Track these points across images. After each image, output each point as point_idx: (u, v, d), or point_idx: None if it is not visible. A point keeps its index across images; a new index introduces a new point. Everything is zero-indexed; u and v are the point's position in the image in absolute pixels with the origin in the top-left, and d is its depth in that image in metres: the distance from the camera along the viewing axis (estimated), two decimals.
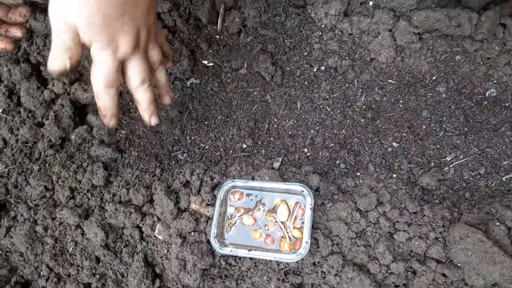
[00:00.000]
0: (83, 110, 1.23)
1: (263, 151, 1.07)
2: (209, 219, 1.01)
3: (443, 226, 0.89)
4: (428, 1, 0.99)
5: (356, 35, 1.05)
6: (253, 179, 1.00)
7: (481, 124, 0.96)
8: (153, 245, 1.05)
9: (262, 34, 1.07)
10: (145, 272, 1.03)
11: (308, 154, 1.04)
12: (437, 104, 1.00)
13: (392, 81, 1.03)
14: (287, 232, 0.92)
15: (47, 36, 1.23)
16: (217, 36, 1.11)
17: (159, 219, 1.04)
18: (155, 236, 1.04)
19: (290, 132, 1.07)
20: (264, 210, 0.96)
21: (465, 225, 0.84)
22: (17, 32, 0.85)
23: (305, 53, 1.07)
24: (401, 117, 1.01)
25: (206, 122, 1.13)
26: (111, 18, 0.68)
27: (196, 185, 1.04)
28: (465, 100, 0.98)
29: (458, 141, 0.96)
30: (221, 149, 1.10)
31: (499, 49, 0.96)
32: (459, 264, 0.84)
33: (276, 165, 1.03)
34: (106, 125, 0.81)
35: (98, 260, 1.08)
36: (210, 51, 1.12)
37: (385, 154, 0.99)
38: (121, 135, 1.17)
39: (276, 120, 1.08)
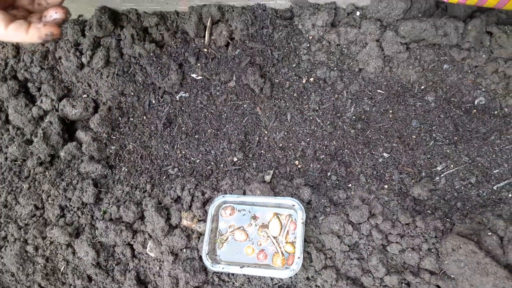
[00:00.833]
0: (72, 127, 1.22)
1: (254, 164, 1.06)
2: (201, 235, 1.00)
3: (436, 237, 0.88)
4: (415, 10, 0.99)
5: (344, 46, 1.05)
6: (244, 193, 1.00)
7: (471, 132, 0.96)
8: (145, 262, 1.04)
9: (250, 47, 1.07)
10: None
11: (299, 166, 1.03)
12: (427, 113, 0.99)
13: (381, 91, 1.03)
14: (280, 247, 0.91)
15: (34, 52, 1.22)
16: (205, 50, 1.10)
17: (150, 236, 1.03)
18: (147, 254, 1.03)
19: (280, 145, 1.06)
20: (256, 225, 0.95)
21: (457, 236, 0.84)
22: (57, 14, 0.69)
23: (294, 65, 1.07)
24: (391, 127, 1.01)
25: (196, 136, 1.12)
26: None
27: (187, 201, 1.03)
28: (454, 109, 0.98)
29: (448, 150, 0.96)
30: (212, 163, 1.09)
31: (486, 57, 0.96)
32: (452, 276, 0.83)
33: (268, 178, 1.02)
34: None
35: (90, 279, 1.07)
36: (198, 64, 1.11)
37: (376, 165, 0.99)
38: (110, 151, 1.16)
39: (266, 132, 1.08)
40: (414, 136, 0.99)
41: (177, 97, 1.14)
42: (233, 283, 0.97)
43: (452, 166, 0.95)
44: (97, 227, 1.06)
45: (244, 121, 1.09)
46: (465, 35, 0.94)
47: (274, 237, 0.93)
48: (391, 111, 1.01)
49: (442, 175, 0.95)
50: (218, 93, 1.11)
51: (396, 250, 0.89)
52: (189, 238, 1.00)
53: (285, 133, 1.06)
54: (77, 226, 1.09)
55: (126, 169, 1.14)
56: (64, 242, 1.07)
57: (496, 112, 0.97)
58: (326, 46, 1.05)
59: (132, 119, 1.18)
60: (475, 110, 0.98)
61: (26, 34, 0.65)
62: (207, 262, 0.91)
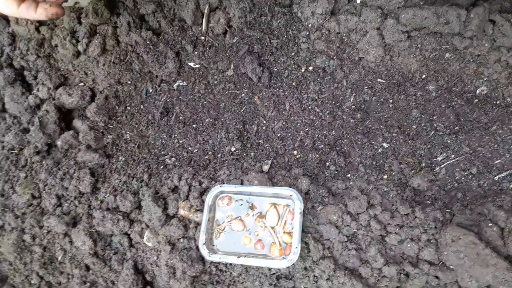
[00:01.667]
0: (68, 115, 1.21)
1: (252, 153, 1.05)
2: (198, 224, 0.99)
3: (435, 227, 0.88)
4: None
5: (344, 34, 1.03)
6: (242, 183, 0.99)
7: (472, 122, 0.95)
8: (143, 252, 1.04)
9: (248, 35, 1.05)
10: (135, 280, 1.01)
11: (297, 156, 1.02)
12: (427, 103, 0.98)
13: (381, 80, 1.01)
14: (277, 237, 0.91)
15: (30, 40, 1.21)
16: (202, 38, 1.09)
17: (147, 226, 1.02)
18: (144, 243, 1.02)
19: (279, 134, 1.05)
20: (253, 215, 0.94)
21: (456, 227, 0.83)
22: None
23: (293, 53, 1.05)
24: (391, 117, 0.99)
25: (194, 125, 1.10)
26: None
27: (184, 190, 1.02)
28: (455, 99, 0.97)
29: (449, 141, 0.95)
30: (210, 153, 1.08)
31: (489, 45, 0.94)
32: (451, 267, 0.83)
33: (266, 168, 1.01)
34: None
35: (87, 268, 1.07)
36: (196, 52, 1.10)
37: (376, 155, 0.98)
38: (108, 140, 1.15)
39: (264, 122, 1.07)
40: (414, 126, 0.98)
41: (175, 86, 1.13)
42: (231, 273, 0.96)
43: (452, 156, 0.94)
44: (94, 217, 1.06)
45: (242, 110, 1.08)
46: (467, 23, 0.92)
47: (272, 227, 0.92)
48: (391, 101, 1.00)
49: (443, 166, 0.94)
50: (215, 82, 1.10)
51: (395, 241, 0.88)
52: (186, 228, 0.99)
53: (284, 123, 1.05)
54: (74, 216, 1.08)
55: (123, 159, 1.13)
56: (61, 232, 1.06)
57: (498, 102, 0.95)
58: (326, 35, 1.03)
59: (129, 108, 1.16)
60: (476, 100, 0.96)
61: (35, 13, 0.75)
62: (204, 252, 0.90)
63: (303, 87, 1.05)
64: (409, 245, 0.87)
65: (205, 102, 1.11)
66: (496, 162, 0.92)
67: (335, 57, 1.03)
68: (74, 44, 1.16)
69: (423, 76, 1.00)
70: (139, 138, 1.14)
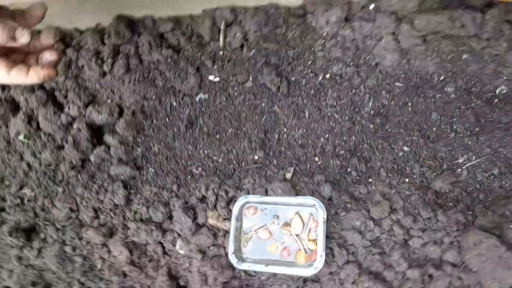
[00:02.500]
0: (99, 131, 1.27)
1: (274, 161, 1.09)
2: (226, 233, 1.04)
3: (458, 230, 0.89)
4: (430, 1, 0.97)
5: (359, 40, 1.04)
6: (266, 191, 1.03)
7: (493, 123, 0.95)
8: (176, 259, 1.10)
9: (264, 47, 1.08)
10: (170, 285, 1.07)
11: (319, 163, 1.05)
12: (447, 105, 0.99)
13: (399, 84, 1.02)
14: (302, 245, 0.94)
15: (57, 62, 1.27)
16: (221, 52, 1.12)
17: (179, 235, 1.08)
18: (177, 251, 1.08)
19: (300, 142, 1.08)
20: (278, 224, 0.98)
21: (478, 231, 0.84)
22: (51, 56, 0.77)
23: (309, 62, 1.07)
24: (410, 121, 1.00)
25: (218, 136, 1.15)
26: None
27: (212, 200, 1.07)
28: (475, 99, 0.97)
29: (469, 142, 0.95)
30: (234, 162, 1.12)
31: (507, 45, 0.93)
32: (474, 269, 0.84)
33: (288, 175, 1.05)
34: None
35: (125, 274, 1.14)
36: (215, 66, 1.13)
37: (397, 159, 0.99)
38: (137, 153, 1.21)
39: (285, 130, 1.10)
40: (434, 129, 0.99)
41: (197, 99, 1.17)
42: (259, 277, 1.01)
43: (474, 158, 0.95)
44: (129, 227, 1.12)
45: (263, 119, 1.11)
46: (483, 25, 0.92)
47: (297, 235, 0.96)
48: (410, 104, 1.01)
49: (464, 167, 0.95)
50: (236, 94, 1.13)
51: (418, 244, 0.91)
52: (216, 236, 1.04)
53: (304, 130, 1.08)
54: (110, 227, 1.15)
55: (153, 170, 1.19)
56: (99, 242, 1.13)
57: None
58: (341, 42, 1.05)
59: (155, 121, 1.22)
60: (496, 100, 0.96)
61: (27, 77, 0.73)
62: (234, 261, 0.95)
63: (322, 94, 1.07)
64: (432, 248, 0.89)
65: (226, 113, 1.14)
66: None
67: (351, 63, 1.05)
68: (99, 65, 1.22)
69: (441, 78, 1.00)
70: (166, 150, 1.19)
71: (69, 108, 1.27)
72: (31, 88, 1.27)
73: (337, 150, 1.04)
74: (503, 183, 0.92)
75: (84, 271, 1.15)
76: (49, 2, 0.85)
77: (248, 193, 1.03)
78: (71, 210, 1.20)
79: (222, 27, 1.09)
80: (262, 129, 1.11)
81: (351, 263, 0.92)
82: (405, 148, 0.99)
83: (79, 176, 1.23)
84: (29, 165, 1.28)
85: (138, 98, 1.22)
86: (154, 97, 1.20)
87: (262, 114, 1.12)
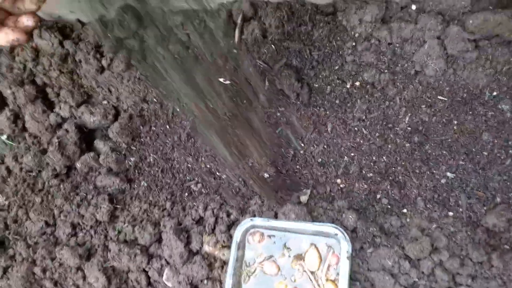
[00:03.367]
0: (90, 136, 1.12)
1: (288, 181, 0.91)
2: (224, 264, 0.85)
3: None
4: (485, 1, 0.82)
5: (397, 45, 0.89)
6: (276, 216, 0.85)
7: None
8: None
9: (285, 46, 0.93)
10: None
11: (341, 185, 0.87)
12: (501, 125, 0.81)
13: (443, 98, 0.85)
14: (318, 286, 0.75)
15: (53, 55, 1.14)
16: (234, 50, 0.97)
17: (167, 263, 0.90)
18: (163, 283, 0.90)
19: (319, 159, 0.91)
20: (289, 256, 0.79)
21: None
22: (28, 21, 0.74)
23: (336, 67, 0.92)
24: (455, 141, 0.83)
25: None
26: None
27: (210, 222, 0.89)
28: None
29: None
30: (240, 179, 0.95)
31: None
32: None
33: (304, 198, 0.87)
34: None
35: None
36: (227, 67, 0.98)
37: (438, 187, 0.82)
38: (130, 163, 1.05)
39: (302, 145, 0.93)
40: (485, 153, 0.81)
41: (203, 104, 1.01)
42: None
43: None
44: (109, 249, 0.94)
45: (277, 132, 0.95)
46: None
47: (312, 272, 0.77)
48: (455, 122, 0.84)
49: None
50: (247, 100, 0.97)
51: None
52: (211, 267, 0.86)
53: (325, 146, 0.91)
54: (89, 247, 0.98)
55: (146, 184, 1.02)
56: (74, 265, 0.95)
57: None
58: (375, 45, 0.89)
59: (154, 128, 1.06)
60: None
61: None
62: None
63: (348, 105, 0.91)
64: None
65: (235, 122, 0.98)
66: None
67: (386, 70, 0.89)
68: (98, 59, 1.08)
69: (494, 94, 0.83)
70: (163, 161, 1.03)
71: (60, 107, 1.12)
72: (20, 82, 1.13)
73: (364, 171, 0.87)
74: None
75: None
76: None
77: (254, 216, 0.85)
78: (47, 224, 1.03)
79: (239, 21, 0.95)
80: (276, 142, 0.95)
81: None
82: (449, 175, 0.82)
83: (61, 185, 1.07)
84: (8, 169, 1.12)
85: (137, 99, 1.07)
86: (155, 100, 1.06)
87: (276, 125, 0.96)
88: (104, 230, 0.98)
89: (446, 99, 0.85)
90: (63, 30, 1.15)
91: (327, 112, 0.93)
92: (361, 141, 0.89)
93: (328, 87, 0.92)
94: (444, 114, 0.85)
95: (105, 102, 1.12)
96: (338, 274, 0.74)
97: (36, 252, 1.00)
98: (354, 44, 0.91)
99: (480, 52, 0.82)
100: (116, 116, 1.09)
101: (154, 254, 0.92)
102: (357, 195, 0.85)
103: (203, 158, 1.00)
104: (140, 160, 1.05)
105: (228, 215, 0.89)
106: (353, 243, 0.78)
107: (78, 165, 1.07)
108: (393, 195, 0.83)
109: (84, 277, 0.95)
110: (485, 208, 0.78)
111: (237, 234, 0.81)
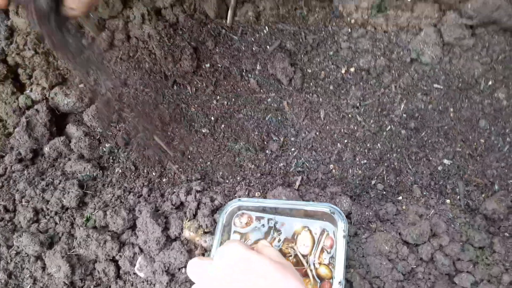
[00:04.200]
0: (62, 120, 1.04)
1: (276, 167, 0.86)
2: (205, 251, 0.77)
3: None
4: None
5: (393, 33, 0.87)
6: (265, 198, 0.79)
7: None
8: (132, 285, 0.81)
9: (279, 29, 0.90)
10: None
11: (334, 171, 0.82)
12: (497, 112, 0.80)
13: (439, 86, 0.84)
14: (311, 270, 0.68)
15: (29, 34, 1.07)
16: (224, 31, 0.94)
17: (141, 251, 0.81)
18: (134, 273, 0.80)
19: (311, 146, 0.86)
20: (280, 240, 0.72)
21: None
22: None
23: (331, 53, 0.89)
24: (452, 128, 0.81)
25: (208, 131, 0.92)
26: None
27: (192, 207, 0.82)
28: None
29: None
30: (226, 163, 0.89)
31: None
32: None
33: (295, 185, 0.82)
34: None
35: None
36: (217, 49, 0.94)
37: (435, 174, 0.78)
38: (104, 149, 0.97)
39: (293, 131, 0.88)
40: (482, 140, 0.79)
41: (188, 88, 0.96)
42: None
43: None
44: (76, 236, 0.85)
45: (267, 118, 0.90)
46: None
47: (304, 256, 0.70)
48: (452, 110, 0.82)
49: None
50: (237, 83, 0.93)
51: (467, 282, 0.66)
52: (191, 254, 0.77)
53: (317, 133, 0.87)
54: (52, 235, 0.87)
55: (120, 171, 0.94)
56: (33, 253, 0.84)
57: None
58: (371, 32, 0.88)
59: (133, 113, 0.99)
60: None
61: None
62: None
63: (342, 91, 0.88)
64: None
65: (223, 105, 0.93)
66: None
67: (382, 57, 0.87)
68: (78, 38, 1.02)
69: (490, 83, 0.82)
70: (142, 147, 0.96)
71: (31, 90, 1.04)
72: None
73: (357, 158, 0.83)
74: None
75: None
76: None
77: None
78: (6, 209, 0.92)
79: (232, 3, 0.92)
80: (265, 128, 0.90)
81: None
82: (446, 161, 0.79)
83: (25, 171, 0.97)
84: None
85: (117, 82, 1.00)
86: (137, 83, 0.99)
87: (266, 111, 0.91)
88: (71, 217, 0.89)
89: (441, 87, 0.84)
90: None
91: (320, 99, 0.89)
92: (355, 128, 0.85)
93: (322, 72, 0.89)
94: (440, 101, 0.83)
95: (81, 85, 1.04)
96: (332, 257, 0.68)
97: None
98: (349, 30, 0.89)
99: (476, 39, 0.82)
100: (92, 100, 1.02)
101: (126, 242, 0.82)
102: (351, 181, 0.80)
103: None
104: (115, 146, 0.97)
105: (212, 200, 0.82)
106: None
107: (46, 149, 0.98)
108: (388, 181, 0.79)
109: (44, 268, 0.84)
110: (483, 195, 0.75)
111: (223, 216, 0.73)
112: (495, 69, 0.82)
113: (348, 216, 0.75)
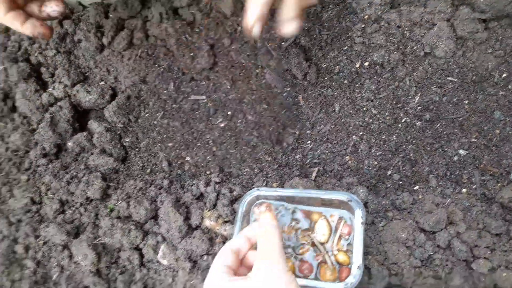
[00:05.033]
0: (84, 116, 1.07)
1: (292, 159, 0.88)
2: (226, 239, 0.80)
3: None
4: None
5: (406, 28, 0.89)
6: (282, 188, 0.81)
7: None
8: (155, 272, 0.84)
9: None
10: None
11: (350, 163, 0.84)
12: None
13: (453, 79, 0.85)
14: (329, 257, 0.71)
15: None
16: (241, 29, 0.96)
17: (164, 239, 0.84)
18: (158, 261, 0.83)
19: (326, 138, 0.88)
20: (298, 229, 0.75)
21: None
22: (57, 6, 0.69)
23: (345, 48, 0.92)
24: (467, 120, 0.82)
25: (227, 125, 0.95)
26: None
27: (211, 198, 0.84)
28: None
29: None
30: (245, 157, 0.91)
31: None
32: None
33: (312, 176, 0.84)
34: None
35: None
36: (233, 46, 0.97)
37: (450, 164, 0.80)
38: (125, 143, 1.00)
39: (309, 125, 0.91)
40: (497, 131, 0.80)
41: (204, 83, 0.99)
42: None
43: None
44: (101, 226, 0.88)
45: (283, 112, 0.93)
46: None
47: (322, 243, 0.72)
48: (466, 101, 0.84)
49: None
50: (253, 79, 0.95)
51: (484, 268, 0.68)
52: (212, 242, 0.80)
53: (332, 126, 0.89)
54: (77, 225, 0.91)
55: (141, 164, 0.98)
56: (60, 243, 0.88)
57: None
58: (385, 28, 0.90)
59: (152, 109, 1.02)
60: None
61: (21, 26, 0.69)
62: None
63: (357, 85, 0.90)
64: (504, 274, 0.66)
65: (240, 99, 0.96)
66: None
67: (395, 52, 0.89)
68: (98, 37, 1.05)
69: (504, 76, 0.84)
70: (161, 142, 0.99)
71: (54, 87, 1.07)
72: (14, 58, 1.08)
73: (373, 150, 0.85)
74: None
75: (34, 282, 0.88)
76: None
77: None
78: (33, 201, 0.96)
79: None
80: (281, 122, 0.92)
81: None
82: (461, 152, 0.80)
83: (49, 165, 1.00)
84: None
85: (136, 79, 1.03)
86: (155, 80, 1.02)
87: (282, 105, 0.93)
88: (95, 208, 0.92)
89: (455, 80, 0.85)
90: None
91: (335, 93, 0.91)
92: (370, 120, 0.87)
93: (337, 67, 0.91)
94: (454, 94, 0.85)
95: (102, 82, 1.08)
96: (349, 244, 0.70)
97: (19, 230, 0.92)
98: (363, 26, 0.91)
99: (489, 33, 0.83)
100: (113, 97, 1.05)
101: (149, 231, 0.86)
102: (367, 172, 0.82)
103: (204, 136, 0.96)
104: (136, 140, 1.00)
105: (231, 191, 0.85)
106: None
107: (69, 144, 1.02)
108: (404, 171, 0.81)
109: (71, 256, 0.87)
110: (499, 184, 0.76)
111: (242, 205, 0.76)
112: (508, 62, 0.84)
113: (365, 205, 0.77)
